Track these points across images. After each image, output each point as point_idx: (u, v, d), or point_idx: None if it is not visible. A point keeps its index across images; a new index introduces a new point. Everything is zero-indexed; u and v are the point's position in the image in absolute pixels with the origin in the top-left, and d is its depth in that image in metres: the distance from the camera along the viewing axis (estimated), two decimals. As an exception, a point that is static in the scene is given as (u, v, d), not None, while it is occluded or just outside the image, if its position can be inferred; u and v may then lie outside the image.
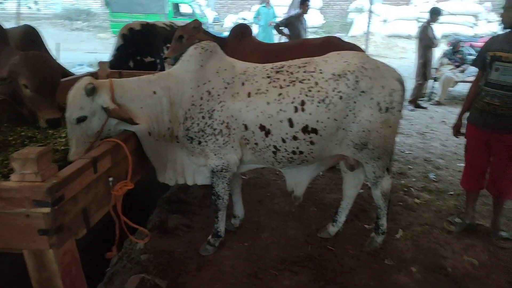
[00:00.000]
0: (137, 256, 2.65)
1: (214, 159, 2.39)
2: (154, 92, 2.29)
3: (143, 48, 4.55)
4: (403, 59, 13.22)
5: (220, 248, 2.76)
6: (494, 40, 2.82)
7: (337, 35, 16.95)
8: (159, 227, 3.00)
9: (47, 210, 1.53)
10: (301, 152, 2.35)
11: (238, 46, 3.88)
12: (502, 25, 2.75)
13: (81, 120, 2.12)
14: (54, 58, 3.66)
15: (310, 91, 2.25)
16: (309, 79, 2.28)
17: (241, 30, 4.11)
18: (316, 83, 2.26)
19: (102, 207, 1.97)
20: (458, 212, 3.33)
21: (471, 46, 9.39)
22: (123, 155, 2.11)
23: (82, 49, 14.11)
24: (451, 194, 3.74)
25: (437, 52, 7.69)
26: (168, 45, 4.75)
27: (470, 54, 7.83)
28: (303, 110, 2.24)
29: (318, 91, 2.24)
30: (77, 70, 7.84)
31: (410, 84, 7.31)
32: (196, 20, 4.20)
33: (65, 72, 3.67)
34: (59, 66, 3.45)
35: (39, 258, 1.64)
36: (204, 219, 3.15)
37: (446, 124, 6.28)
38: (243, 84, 2.34)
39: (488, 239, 2.98)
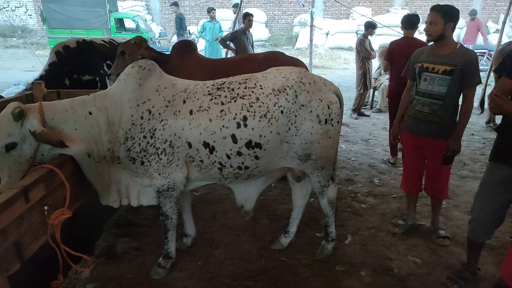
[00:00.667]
0: (82, 286, 2.49)
1: (159, 179, 2.34)
2: (90, 113, 2.21)
3: (79, 66, 4.40)
4: (346, 70, 13.86)
5: (172, 270, 2.68)
6: (421, 52, 3.04)
7: (284, 47, 17.45)
8: (106, 253, 2.86)
9: (-30, 248, 1.41)
10: (246, 167, 2.37)
11: (182, 63, 3.85)
12: (427, 38, 2.98)
13: (10, 147, 2.01)
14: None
15: (251, 106, 2.28)
16: (250, 95, 2.31)
17: (184, 47, 4.09)
18: (257, 99, 2.30)
19: (37, 238, 1.85)
20: (401, 214, 3.51)
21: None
22: (59, 181, 2.00)
23: (18, 67, 13.26)
24: (394, 197, 3.93)
25: (375, 63, 8.15)
26: (108, 62, 4.64)
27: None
28: (245, 125, 2.26)
29: (260, 106, 2.28)
30: (12, 90, 7.32)
31: (353, 94, 7.69)
32: (138, 36, 4.13)
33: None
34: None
35: (-36, 301, 1.50)
36: (155, 240, 3.04)
37: (387, 131, 6.64)
38: (184, 102, 2.32)
39: (429, 238, 3.16)
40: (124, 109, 2.26)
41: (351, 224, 3.38)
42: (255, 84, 2.35)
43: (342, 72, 13.36)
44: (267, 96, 2.31)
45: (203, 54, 7.64)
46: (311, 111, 2.35)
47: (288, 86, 2.33)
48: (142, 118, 2.26)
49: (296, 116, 2.32)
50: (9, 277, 1.65)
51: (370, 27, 7.19)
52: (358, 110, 7.55)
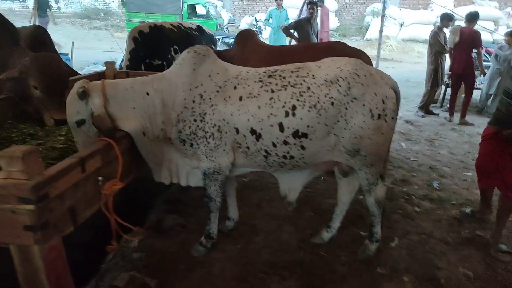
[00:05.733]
0: (129, 254, 2.69)
1: (205, 161, 2.41)
2: (147, 93, 2.32)
3: (152, 51, 4.59)
4: (418, 64, 13.01)
5: (212, 250, 2.78)
6: None
7: (353, 38, 16.83)
8: (154, 226, 3.05)
9: (31, 207, 1.57)
10: (292, 157, 2.35)
11: (240, 49, 3.92)
12: None
13: (80, 123, 2.20)
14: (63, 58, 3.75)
15: (301, 95, 2.25)
16: (301, 84, 2.27)
17: (244, 34, 4.16)
18: (308, 88, 2.26)
19: (91, 206, 2.01)
20: (458, 223, 3.27)
21: (487, 52, 9.19)
22: (115, 154, 2.15)
23: (99, 47, 14.38)
24: (453, 204, 3.67)
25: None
26: (175, 47, 4.82)
27: (484, 61, 7.63)
28: (294, 114, 2.23)
29: (310, 96, 2.24)
30: (91, 68, 7.99)
31: (423, 90, 7.21)
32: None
33: (72, 72, 3.76)
34: (67, 67, 3.53)
35: (24, 253, 1.68)
36: (199, 220, 3.16)
37: (456, 132, 6.16)
38: (235, 87, 2.35)
39: (487, 252, 2.91)
40: (178, 92, 2.34)
41: (400, 227, 3.22)
42: (308, 73, 2.31)
43: (413, 66, 12.59)
44: (318, 86, 2.25)
45: (268, 42, 7.62)
46: (363, 105, 2.25)
47: (341, 77, 2.26)
48: (194, 102, 2.33)
49: (346, 108, 2.25)
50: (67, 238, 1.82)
51: (446, 19, 6.66)
52: (426, 108, 7.08)
